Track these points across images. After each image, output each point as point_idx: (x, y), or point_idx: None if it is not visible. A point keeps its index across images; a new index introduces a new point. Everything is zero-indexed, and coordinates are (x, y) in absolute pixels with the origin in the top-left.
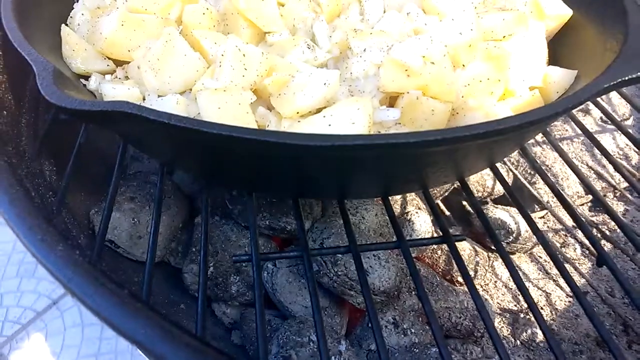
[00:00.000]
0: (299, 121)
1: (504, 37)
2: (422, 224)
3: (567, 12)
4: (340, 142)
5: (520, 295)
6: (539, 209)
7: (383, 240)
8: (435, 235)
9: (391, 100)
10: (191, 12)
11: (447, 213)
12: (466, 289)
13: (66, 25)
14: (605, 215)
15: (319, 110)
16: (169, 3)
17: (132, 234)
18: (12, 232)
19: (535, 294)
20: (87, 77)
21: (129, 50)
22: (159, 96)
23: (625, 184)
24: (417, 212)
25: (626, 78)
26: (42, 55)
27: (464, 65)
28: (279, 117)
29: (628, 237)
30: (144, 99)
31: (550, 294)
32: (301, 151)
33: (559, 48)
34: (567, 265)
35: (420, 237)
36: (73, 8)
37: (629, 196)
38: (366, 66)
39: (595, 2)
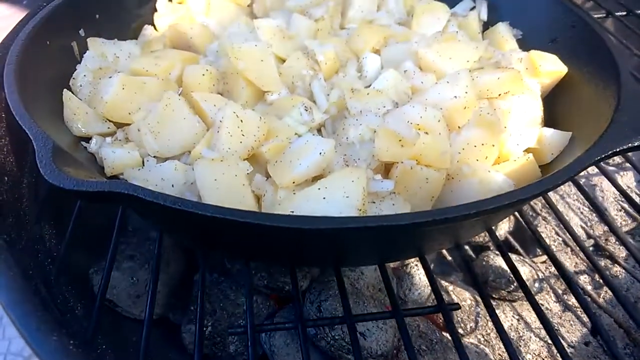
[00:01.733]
0: (294, 193)
1: (499, 95)
2: (422, 277)
3: (562, 69)
4: (331, 226)
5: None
6: (540, 253)
7: (381, 297)
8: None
9: (386, 166)
10: (191, 73)
11: (449, 258)
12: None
13: (69, 86)
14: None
15: (315, 178)
16: (170, 64)
17: (130, 293)
18: (6, 315)
19: (537, 345)
20: (88, 139)
21: (129, 113)
22: (157, 158)
23: (628, 227)
24: (416, 265)
25: (617, 150)
26: (44, 119)
27: (459, 127)
28: (275, 186)
29: None
30: (143, 163)
31: (550, 345)
32: (293, 234)
33: (554, 105)
34: (568, 314)
35: (418, 291)
36: (76, 69)
37: (631, 240)
38: (362, 130)
39: (590, 62)
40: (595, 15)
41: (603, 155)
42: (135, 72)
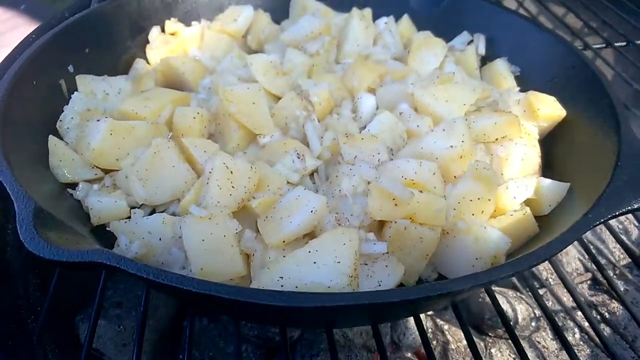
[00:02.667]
0: (284, 256)
1: (496, 139)
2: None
3: (560, 113)
4: (320, 304)
5: None
6: (537, 286)
7: (373, 344)
8: (429, 329)
9: (381, 223)
10: (182, 115)
11: None
12: None
13: (56, 129)
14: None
15: (306, 235)
16: (160, 106)
17: (117, 342)
18: None
19: None
20: (74, 185)
21: (117, 159)
22: (144, 206)
23: (625, 262)
24: None
25: (615, 213)
26: (28, 166)
27: (455, 177)
28: (265, 245)
29: None
30: (131, 212)
31: None
32: (281, 309)
33: (553, 148)
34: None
35: (412, 336)
36: (63, 110)
37: (629, 275)
38: (355, 182)
39: (589, 107)
40: (595, 45)
41: (601, 221)
42: (124, 114)
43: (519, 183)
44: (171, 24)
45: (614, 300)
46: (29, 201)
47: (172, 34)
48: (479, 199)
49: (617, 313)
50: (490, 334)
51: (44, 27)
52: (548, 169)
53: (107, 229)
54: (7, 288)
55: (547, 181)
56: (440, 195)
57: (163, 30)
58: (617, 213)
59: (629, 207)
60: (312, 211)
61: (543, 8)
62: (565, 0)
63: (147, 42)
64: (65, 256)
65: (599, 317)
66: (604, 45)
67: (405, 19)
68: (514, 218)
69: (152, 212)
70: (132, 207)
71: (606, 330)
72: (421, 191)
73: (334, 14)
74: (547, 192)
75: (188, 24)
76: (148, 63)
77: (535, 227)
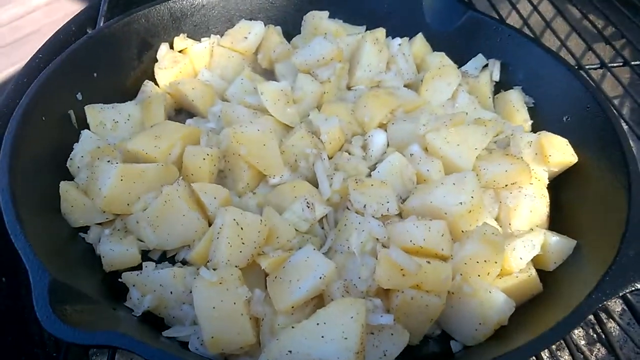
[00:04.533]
0: (292, 327)
1: (505, 185)
2: None
3: (572, 160)
4: None
5: None
6: None
7: None
8: None
9: (387, 290)
10: (192, 155)
11: None
12: None
13: (66, 167)
14: None
15: (314, 298)
16: (170, 144)
17: None
18: None
19: None
20: (86, 228)
21: (127, 205)
22: (157, 260)
23: None
24: None
25: (619, 294)
26: (39, 214)
27: (462, 232)
28: (274, 311)
29: None
30: (142, 264)
31: None
32: None
33: (561, 192)
34: None
35: None
36: (73, 148)
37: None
38: (364, 238)
39: (602, 157)
40: (589, 66)
41: (603, 303)
42: (134, 153)
43: (526, 242)
44: (180, 41)
45: (610, 320)
46: (44, 273)
47: (181, 52)
48: (485, 261)
49: (614, 333)
50: None
51: (50, 45)
52: (557, 215)
53: (119, 280)
54: (24, 334)
55: (554, 238)
56: (447, 253)
57: (172, 47)
58: (619, 294)
59: (632, 288)
60: (320, 277)
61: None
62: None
63: (156, 59)
64: (79, 339)
65: (594, 335)
66: (598, 65)
67: (420, 38)
68: (520, 280)
69: (163, 254)
70: (144, 250)
71: (602, 351)
72: (429, 262)
73: (346, 32)
74: (553, 250)
75: (197, 39)
76: (157, 84)
77: (539, 287)
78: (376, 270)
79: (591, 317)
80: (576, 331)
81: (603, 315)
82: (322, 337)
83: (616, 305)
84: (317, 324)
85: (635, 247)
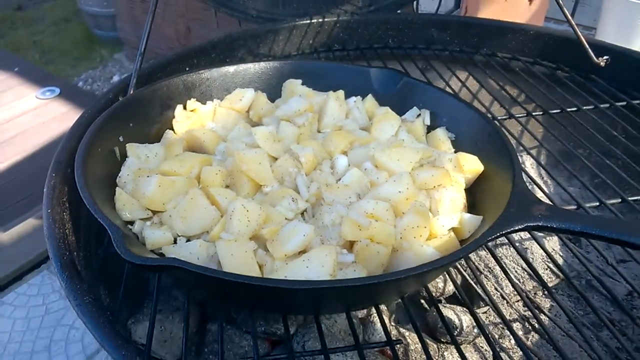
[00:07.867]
0: (286, 263)
1: (434, 187)
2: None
3: (479, 168)
4: (311, 286)
5: None
6: (482, 305)
7: (350, 339)
8: (392, 331)
9: (350, 243)
10: (207, 172)
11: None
12: None
13: (116, 183)
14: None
15: (301, 252)
16: (191, 165)
17: (159, 338)
18: (97, 341)
19: None
20: (132, 222)
21: (163, 204)
22: (184, 236)
23: (553, 283)
24: (377, 316)
25: (503, 232)
26: (102, 207)
27: (402, 213)
28: (273, 258)
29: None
30: (174, 241)
31: None
32: (286, 292)
33: (474, 194)
34: (502, 354)
35: (379, 335)
36: (120, 171)
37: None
38: (333, 217)
39: (499, 165)
40: (518, 115)
41: (493, 237)
42: (166, 172)
43: (447, 216)
44: (191, 103)
45: (542, 314)
46: (118, 229)
47: (192, 111)
48: (417, 226)
49: (545, 323)
50: (442, 340)
51: (94, 106)
52: (472, 207)
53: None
54: (88, 294)
55: (467, 215)
56: (391, 224)
57: (185, 108)
58: (502, 233)
59: (511, 229)
60: (304, 235)
61: (480, 86)
62: (499, 78)
63: (173, 116)
64: (150, 262)
65: (529, 327)
66: (525, 114)
67: (370, 98)
68: (443, 240)
69: (188, 240)
70: (175, 237)
71: (535, 337)
72: (377, 220)
73: (315, 94)
74: (466, 223)
75: (204, 103)
76: (175, 133)
77: (458, 246)
78: (342, 228)
79: (527, 312)
80: (515, 324)
81: (536, 311)
82: (307, 267)
83: (546, 303)
84: (303, 260)
85: (515, 207)
